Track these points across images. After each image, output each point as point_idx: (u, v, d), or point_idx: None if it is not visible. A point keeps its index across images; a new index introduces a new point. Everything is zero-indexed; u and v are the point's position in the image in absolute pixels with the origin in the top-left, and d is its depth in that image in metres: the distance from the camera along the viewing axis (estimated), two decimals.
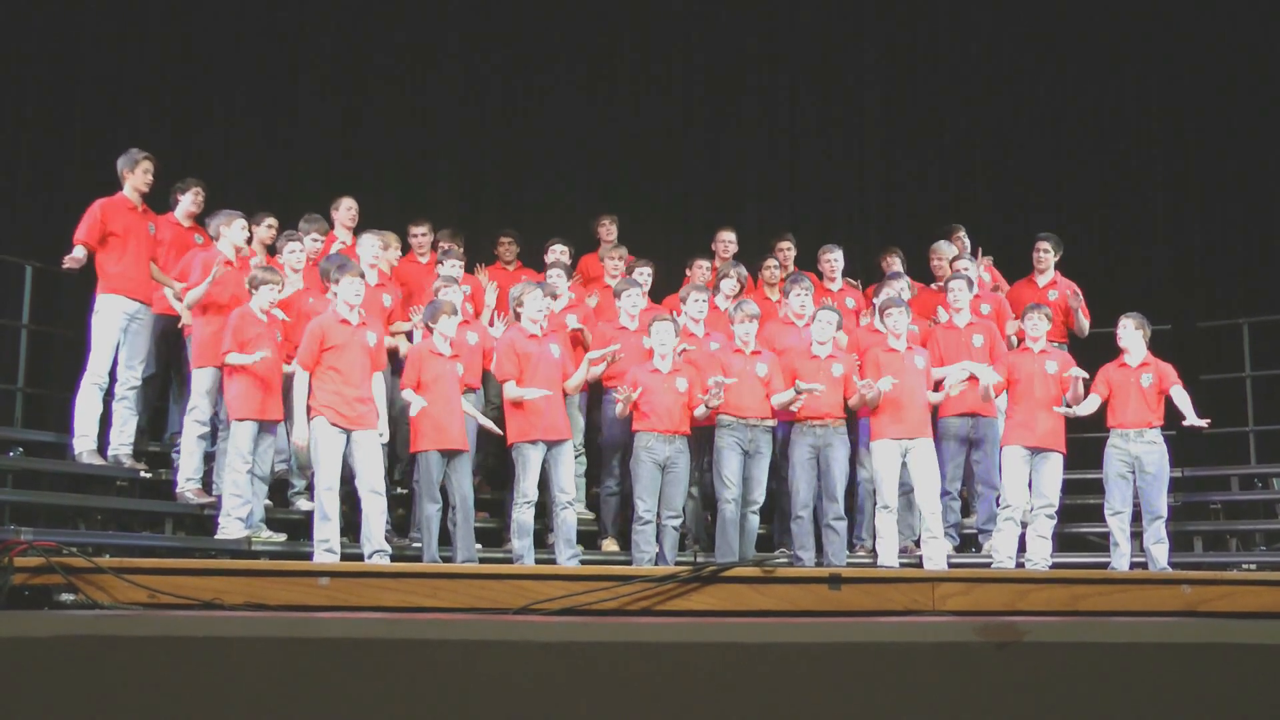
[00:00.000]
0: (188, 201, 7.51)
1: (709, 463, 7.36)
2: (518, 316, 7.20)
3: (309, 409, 6.63)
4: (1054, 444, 7.33)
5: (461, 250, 7.96)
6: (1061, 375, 7.36)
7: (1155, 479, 7.29)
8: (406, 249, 8.19)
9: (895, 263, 8.51)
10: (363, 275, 6.92)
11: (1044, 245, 8.41)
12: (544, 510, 7.21)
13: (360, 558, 6.59)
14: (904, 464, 7.26)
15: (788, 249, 8.59)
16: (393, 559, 6.83)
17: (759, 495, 7.23)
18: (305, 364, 6.64)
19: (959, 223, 8.98)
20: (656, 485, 7.05)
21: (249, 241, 7.34)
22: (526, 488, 6.94)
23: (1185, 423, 7.26)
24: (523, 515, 6.94)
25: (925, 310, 8.12)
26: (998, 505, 7.43)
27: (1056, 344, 8.14)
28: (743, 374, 7.22)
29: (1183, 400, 7.32)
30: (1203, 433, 7.38)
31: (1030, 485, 7.34)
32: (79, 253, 6.97)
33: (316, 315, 6.88)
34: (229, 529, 6.67)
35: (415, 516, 7.28)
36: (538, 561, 6.95)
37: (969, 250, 8.58)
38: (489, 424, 7.08)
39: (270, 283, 6.79)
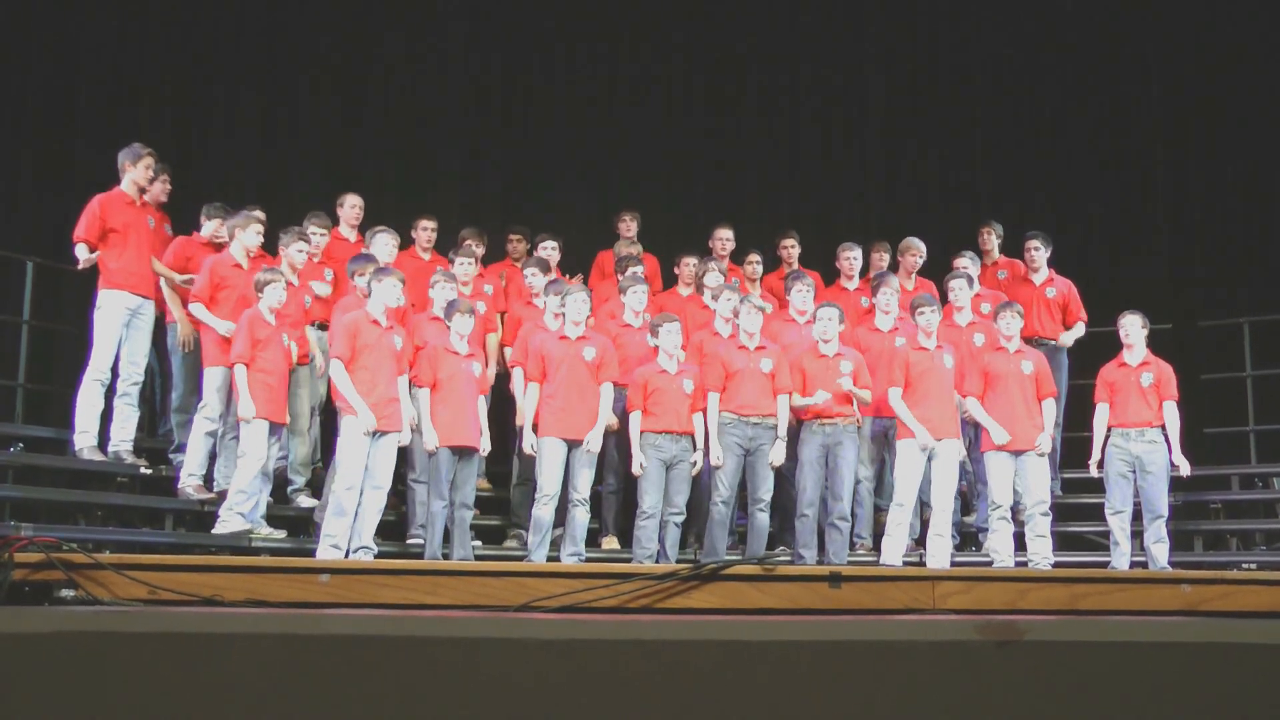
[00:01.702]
0: (157, 190, 7.48)
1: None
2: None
3: (340, 408, 6.67)
4: (1033, 446, 7.29)
5: (480, 250, 8.02)
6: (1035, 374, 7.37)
7: (1156, 478, 7.30)
8: (407, 243, 8.23)
9: (885, 258, 8.52)
10: (402, 280, 6.92)
11: (1034, 244, 8.42)
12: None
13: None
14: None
15: (791, 246, 8.60)
16: (393, 557, 6.83)
17: (765, 492, 7.19)
18: (343, 357, 6.64)
19: (954, 221, 9.00)
20: (661, 482, 7.05)
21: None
22: (546, 483, 6.94)
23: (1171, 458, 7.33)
24: (542, 512, 6.93)
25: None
26: None
27: (1052, 343, 8.15)
28: (746, 369, 7.21)
29: (1173, 425, 7.35)
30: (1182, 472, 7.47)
31: (1021, 486, 7.32)
32: (83, 251, 6.96)
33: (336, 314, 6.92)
34: (229, 523, 6.66)
35: (412, 514, 7.27)
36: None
37: (998, 247, 8.60)
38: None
39: (274, 281, 6.80)
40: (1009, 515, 7.27)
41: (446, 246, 8.27)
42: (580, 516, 7.01)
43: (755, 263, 8.40)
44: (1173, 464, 7.37)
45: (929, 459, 7.23)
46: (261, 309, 6.80)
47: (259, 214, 7.66)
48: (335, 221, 8.03)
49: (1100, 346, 8.08)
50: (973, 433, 7.75)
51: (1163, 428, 7.38)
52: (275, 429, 6.89)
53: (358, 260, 7.19)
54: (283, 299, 6.84)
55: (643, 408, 7.10)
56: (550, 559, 6.95)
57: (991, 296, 8.18)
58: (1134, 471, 7.33)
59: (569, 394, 7.02)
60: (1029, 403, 7.34)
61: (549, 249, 8.20)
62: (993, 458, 7.31)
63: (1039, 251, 8.40)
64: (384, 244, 7.51)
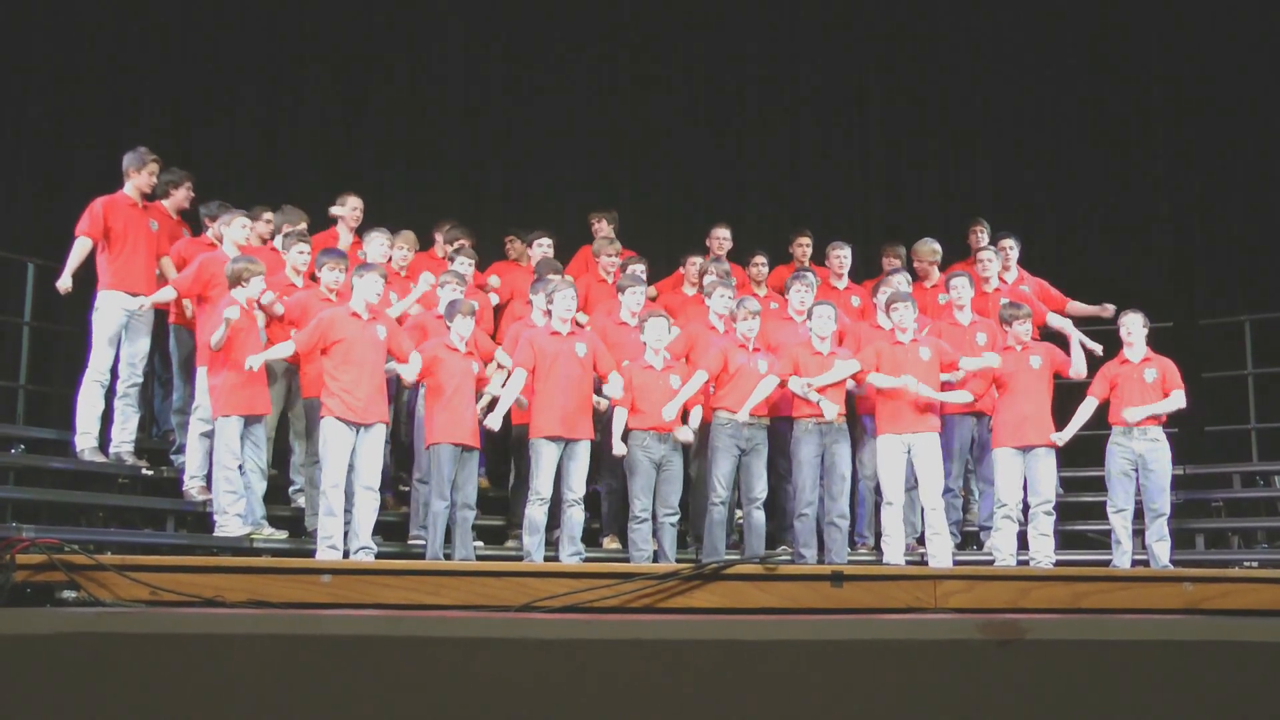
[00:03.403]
0: (180, 196, 7.52)
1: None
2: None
3: (321, 404, 6.67)
4: (1044, 441, 7.31)
5: (471, 247, 8.00)
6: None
7: (1158, 476, 7.28)
8: (428, 245, 8.28)
9: (897, 260, 8.52)
10: (384, 276, 6.92)
11: (1007, 243, 8.41)
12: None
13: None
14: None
15: (806, 244, 8.60)
16: (395, 557, 6.83)
17: (760, 491, 7.19)
18: (300, 346, 6.67)
19: (956, 220, 8.99)
20: (652, 483, 7.04)
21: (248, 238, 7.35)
22: (540, 485, 6.93)
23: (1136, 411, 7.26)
24: (535, 512, 6.93)
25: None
26: None
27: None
28: (742, 369, 7.20)
29: (1174, 403, 7.35)
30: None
31: (1026, 484, 7.33)
32: (81, 247, 6.98)
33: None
34: (227, 526, 6.65)
35: (414, 515, 7.27)
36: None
37: (987, 243, 8.59)
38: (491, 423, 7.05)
39: (256, 273, 6.74)
40: (1014, 514, 7.27)
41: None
42: (576, 516, 7.01)
43: (761, 264, 8.40)
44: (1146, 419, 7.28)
45: (909, 457, 7.23)
46: (237, 298, 6.72)
47: (268, 214, 7.69)
48: (333, 221, 8.05)
49: (1101, 345, 8.08)
50: (975, 430, 7.74)
51: (1163, 425, 7.37)
52: (256, 422, 6.85)
53: (327, 254, 7.14)
54: (263, 288, 6.80)
55: (630, 404, 7.09)
56: (549, 559, 6.95)
57: (1008, 291, 8.14)
58: (1136, 470, 7.33)
59: (565, 391, 6.99)
60: (1040, 399, 7.33)
61: (544, 245, 8.21)
62: (1001, 454, 7.31)
63: (1012, 251, 8.40)
64: (379, 244, 7.49)
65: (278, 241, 7.48)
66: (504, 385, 7.10)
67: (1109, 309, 7.82)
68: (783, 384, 7.24)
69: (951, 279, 7.91)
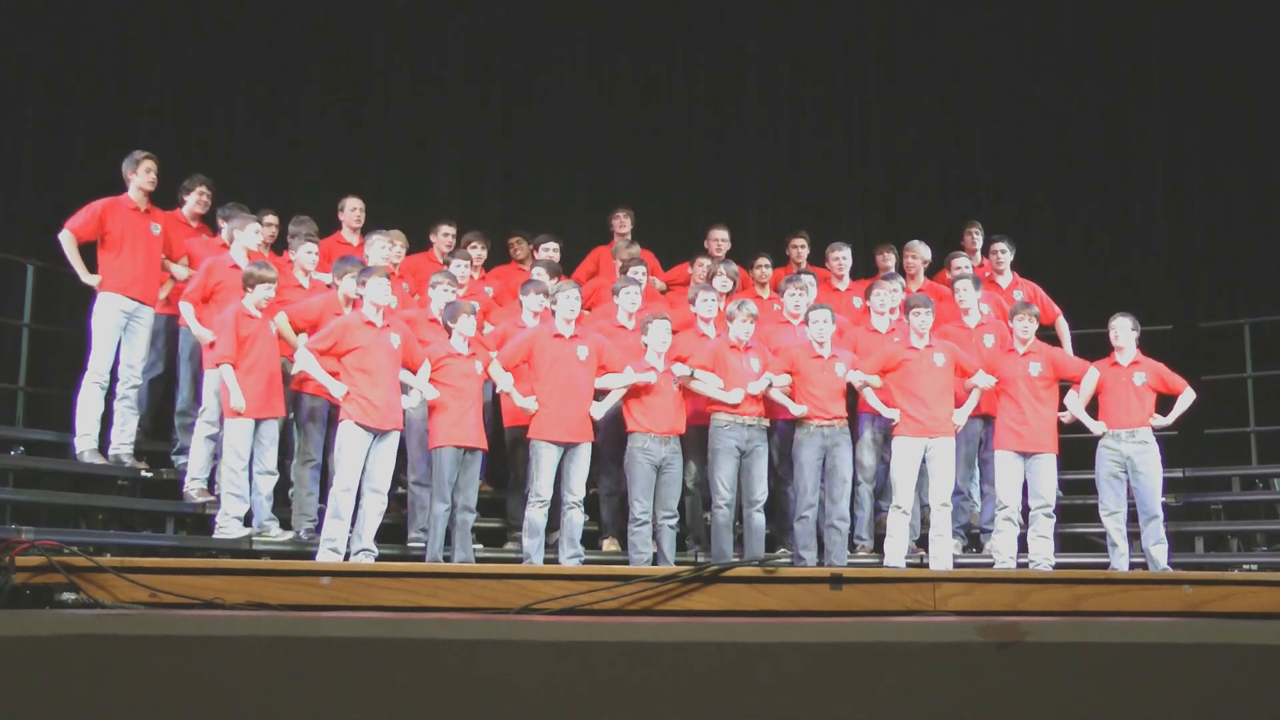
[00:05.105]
0: (193, 201, 7.55)
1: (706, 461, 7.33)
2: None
3: (339, 409, 6.66)
4: (1044, 444, 7.31)
5: (482, 252, 8.01)
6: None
7: (1147, 479, 7.27)
8: (425, 245, 8.29)
9: (891, 259, 8.52)
10: (388, 276, 6.91)
11: (999, 247, 8.41)
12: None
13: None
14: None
15: (801, 246, 8.60)
16: (394, 560, 6.83)
17: (761, 493, 7.18)
18: (312, 347, 6.63)
19: (956, 222, 9.01)
20: (652, 486, 7.03)
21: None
22: (540, 487, 6.92)
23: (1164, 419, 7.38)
24: (535, 514, 6.92)
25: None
26: None
27: None
28: (739, 371, 7.20)
29: (1185, 402, 7.39)
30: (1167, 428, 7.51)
31: (1026, 487, 7.33)
32: (67, 241, 6.97)
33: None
34: (228, 529, 6.65)
35: (412, 517, 7.26)
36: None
37: (979, 247, 8.59)
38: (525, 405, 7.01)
39: (267, 280, 6.77)
40: (1014, 516, 7.27)
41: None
42: (575, 518, 7.00)
43: (764, 266, 8.39)
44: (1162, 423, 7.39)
45: (924, 459, 7.23)
46: (246, 304, 6.72)
47: (271, 218, 7.70)
48: (338, 225, 8.06)
49: (1097, 348, 8.08)
50: (982, 433, 7.74)
51: (1152, 428, 7.38)
52: (267, 425, 6.83)
53: (345, 262, 7.15)
54: (270, 296, 6.80)
55: (625, 405, 7.08)
56: (548, 561, 6.95)
57: (990, 299, 8.15)
58: (1126, 473, 7.33)
59: (564, 394, 6.97)
60: (1042, 403, 7.33)
61: (550, 250, 8.20)
62: (1002, 457, 7.31)
63: (1005, 255, 8.40)
64: (380, 246, 7.48)
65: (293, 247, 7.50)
66: (500, 378, 7.07)
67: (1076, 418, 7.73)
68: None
69: (956, 281, 7.91)
